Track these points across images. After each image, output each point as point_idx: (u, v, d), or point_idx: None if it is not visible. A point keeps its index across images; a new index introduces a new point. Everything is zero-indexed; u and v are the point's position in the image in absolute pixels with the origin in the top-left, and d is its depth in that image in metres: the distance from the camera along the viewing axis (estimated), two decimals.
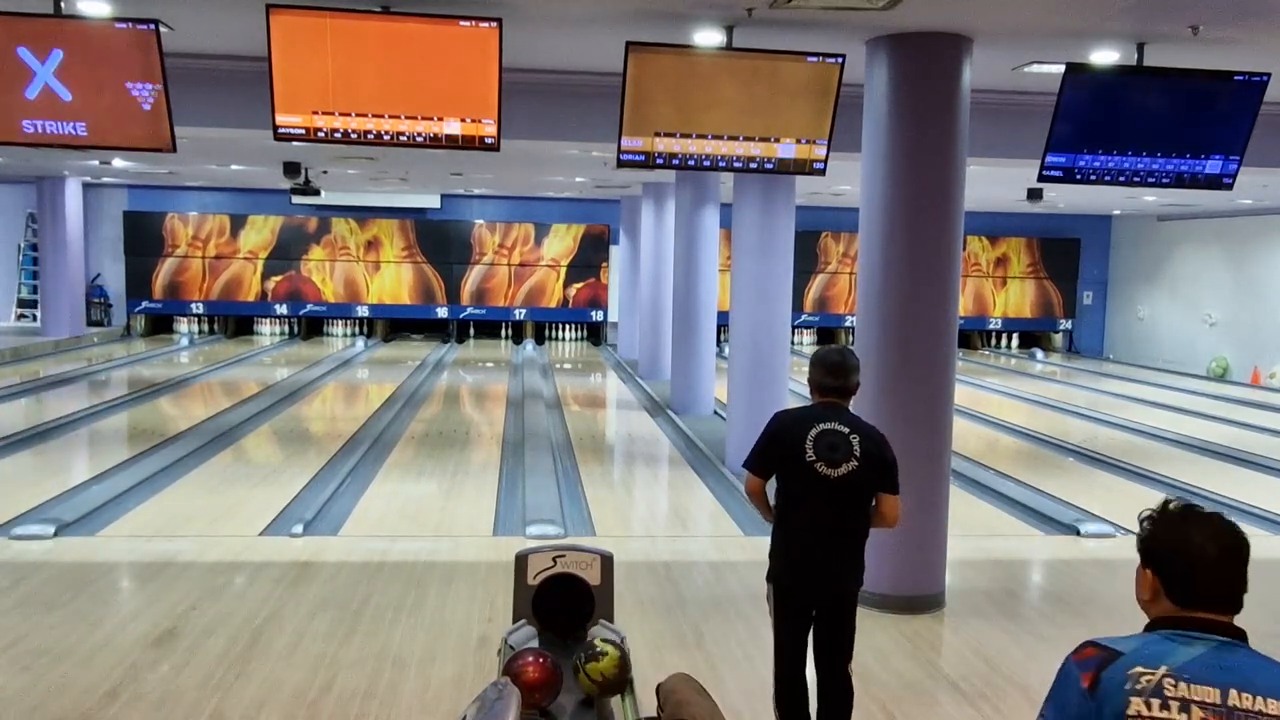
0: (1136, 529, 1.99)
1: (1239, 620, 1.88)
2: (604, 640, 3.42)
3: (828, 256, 21.24)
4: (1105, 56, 5.88)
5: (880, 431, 3.74)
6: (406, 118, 5.36)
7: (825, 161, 5.88)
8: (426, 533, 7.14)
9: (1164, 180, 6.04)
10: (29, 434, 10.21)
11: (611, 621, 3.93)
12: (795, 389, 12.20)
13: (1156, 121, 5.88)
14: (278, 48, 5.11)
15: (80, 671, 4.63)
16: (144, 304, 20.43)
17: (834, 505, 3.63)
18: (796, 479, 3.64)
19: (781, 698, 3.78)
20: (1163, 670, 1.78)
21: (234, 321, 20.93)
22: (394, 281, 20.81)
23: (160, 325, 20.88)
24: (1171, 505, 1.96)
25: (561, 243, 20.95)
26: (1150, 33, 5.43)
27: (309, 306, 20.78)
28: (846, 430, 3.64)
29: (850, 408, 3.77)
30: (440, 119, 5.39)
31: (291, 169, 13.36)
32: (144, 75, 5.24)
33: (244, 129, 6.72)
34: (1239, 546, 1.90)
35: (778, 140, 5.81)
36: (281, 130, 5.32)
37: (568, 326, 21.64)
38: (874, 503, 3.70)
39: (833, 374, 3.72)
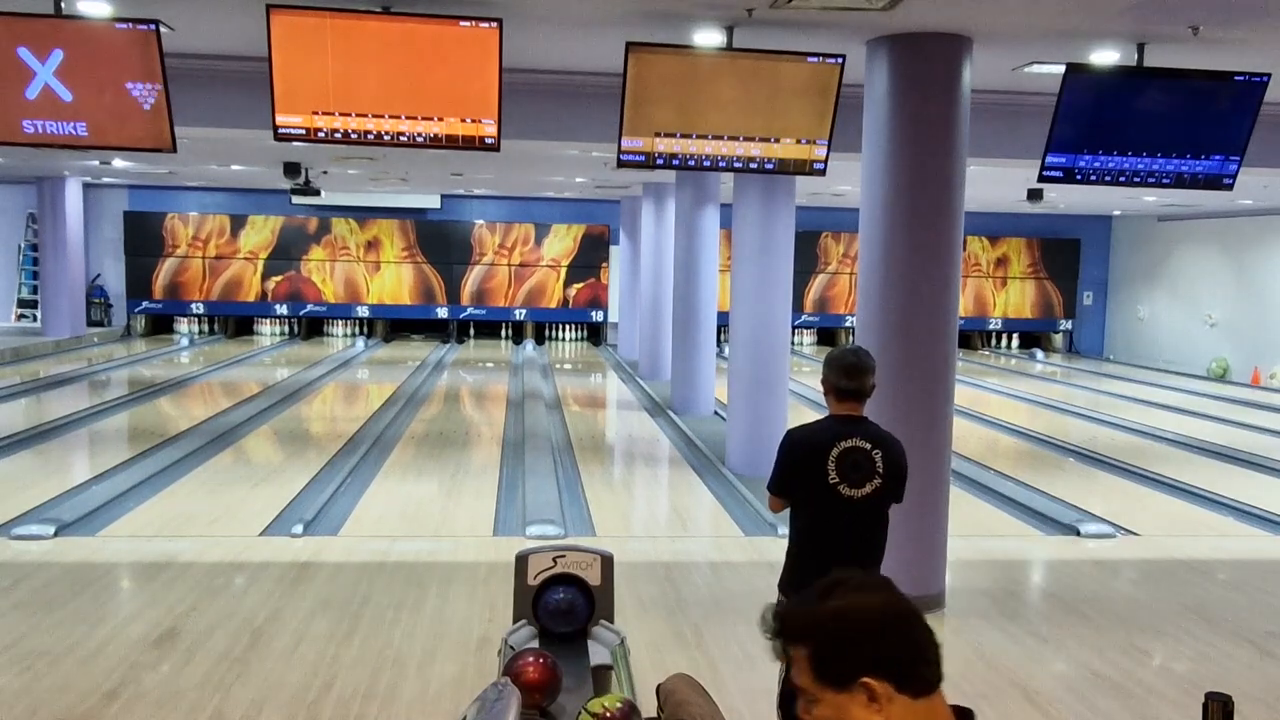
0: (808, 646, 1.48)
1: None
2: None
3: (828, 256, 21.24)
4: (1105, 57, 5.88)
5: (898, 439, 3.61)
6: (407, 118, 5.35)
7: (825, 161, 5.88)
8: (426, 533, 7.14)
9: (1164, 180, 6.04)
10: (29, 434, 10.20)
11: (611, 622, 3.93)
12: (795, 389, 12.20)
13: (1157, 122, 5.87)
14: (278, 48, 5.11)
15: (80, 671, 4.63)
16: (144, 304, 20.43)
17: (854, 525, 3.52)
18: (817, 500, 3.52)
19: (788, 700, 3.76)
20: None
21: (234, 322, 20.92)
22: (394, 282, 20.80)
23: (160, 325, 20.87)
24: (810, 590, 1.52)
25: (561, 243, 20.94)
26: (1150, 33, 5.43)
27: (309, 307, 20.77)
28: (869, 446, 3.50)
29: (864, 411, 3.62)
30: (440, 119, 5.38)
31: (292, 169, 13.36)
32: (144, 75, 5.24)
33: (244, 129, 6.72)
34: None
35: (778, 140, 5.81)
36: (281, 130, 5.32)
37: (568, 327, 21.63)
38: None
39: (848, 375, 3.56)
